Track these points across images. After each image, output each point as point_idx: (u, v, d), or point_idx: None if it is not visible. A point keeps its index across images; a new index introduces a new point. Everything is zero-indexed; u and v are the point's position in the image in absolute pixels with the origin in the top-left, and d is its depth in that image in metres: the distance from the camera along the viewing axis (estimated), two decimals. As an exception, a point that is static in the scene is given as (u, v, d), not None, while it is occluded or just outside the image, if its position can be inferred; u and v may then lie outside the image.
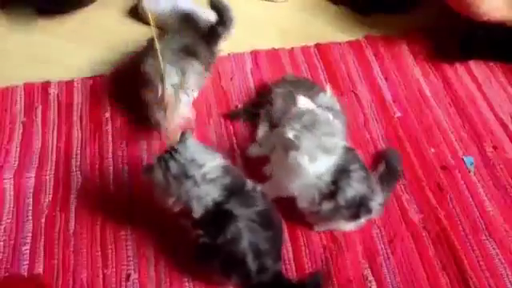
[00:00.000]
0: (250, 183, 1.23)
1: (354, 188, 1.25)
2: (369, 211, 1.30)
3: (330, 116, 1.26)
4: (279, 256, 1.25)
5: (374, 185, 1.33)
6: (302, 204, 1.30)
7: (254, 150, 1.47)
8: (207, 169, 1.18)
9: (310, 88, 1.52)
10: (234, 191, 1.19)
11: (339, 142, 1.24)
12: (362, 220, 1.33)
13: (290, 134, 1.19)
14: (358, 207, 1.28)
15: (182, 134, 1.21)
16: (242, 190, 1.20)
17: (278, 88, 1.53)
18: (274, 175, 1.33)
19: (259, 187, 1.24)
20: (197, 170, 1.17)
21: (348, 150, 1.28)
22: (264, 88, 1.64)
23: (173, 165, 1.16)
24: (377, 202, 1.31)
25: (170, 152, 1.18)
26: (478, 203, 1.42)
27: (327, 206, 1.26)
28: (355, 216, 1.30)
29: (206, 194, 1.16)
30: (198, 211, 1.16)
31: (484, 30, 1.68)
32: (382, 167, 1.43)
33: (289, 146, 1.20)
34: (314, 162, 1.20)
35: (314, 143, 1.20)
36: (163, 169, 1.17)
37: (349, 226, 1.35)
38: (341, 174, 1.24)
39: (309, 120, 1.22)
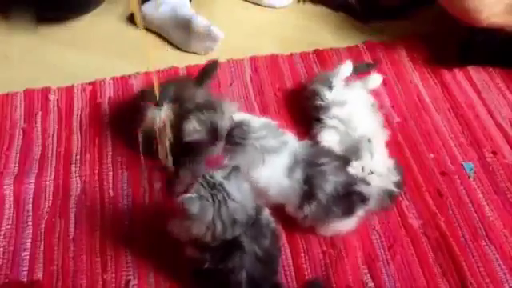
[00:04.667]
0: (265, 216, 1.18)
1: (330, 181, 1.24)
2: (364, 199, 1.28)
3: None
4: (275, 275, 1.23)
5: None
6: (289, 210, 1.30)
7: None
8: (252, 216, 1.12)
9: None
10: (250, 225, 1.13)
11: (283, 137, 1.26)
12: (360, 213, 1.30)
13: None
14: (349, 196, 1.26)
15: (234, 168, 1.11)
16: (256, 224, 1.15)
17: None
18: None
19: (273, 224, 1.19)
20: (245, 218, 1.10)
21: (312, 144, 1.31)
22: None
23: (225, 210, 1.08)
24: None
25: (222, 191, 1.08)
26: (478, 209, 1.42)
27: (309, 208, 1.26)
28: (350, 209, 1.27)
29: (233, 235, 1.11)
30: (215, 243, 1.11)
31: (483, 35, 1.68)
32: None
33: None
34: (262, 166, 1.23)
35: (251, 155, 1.23)
36: (214, 210, 1.07)
37: (350, 223, 1.32)
38: (311, 168, 1.24)
39: (239, 134, 1.24)
